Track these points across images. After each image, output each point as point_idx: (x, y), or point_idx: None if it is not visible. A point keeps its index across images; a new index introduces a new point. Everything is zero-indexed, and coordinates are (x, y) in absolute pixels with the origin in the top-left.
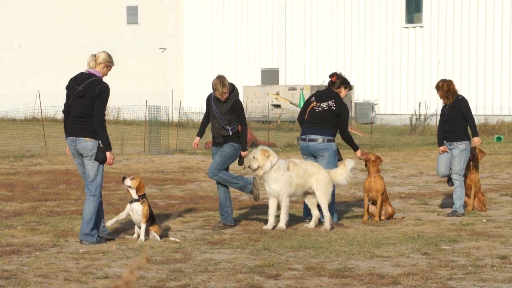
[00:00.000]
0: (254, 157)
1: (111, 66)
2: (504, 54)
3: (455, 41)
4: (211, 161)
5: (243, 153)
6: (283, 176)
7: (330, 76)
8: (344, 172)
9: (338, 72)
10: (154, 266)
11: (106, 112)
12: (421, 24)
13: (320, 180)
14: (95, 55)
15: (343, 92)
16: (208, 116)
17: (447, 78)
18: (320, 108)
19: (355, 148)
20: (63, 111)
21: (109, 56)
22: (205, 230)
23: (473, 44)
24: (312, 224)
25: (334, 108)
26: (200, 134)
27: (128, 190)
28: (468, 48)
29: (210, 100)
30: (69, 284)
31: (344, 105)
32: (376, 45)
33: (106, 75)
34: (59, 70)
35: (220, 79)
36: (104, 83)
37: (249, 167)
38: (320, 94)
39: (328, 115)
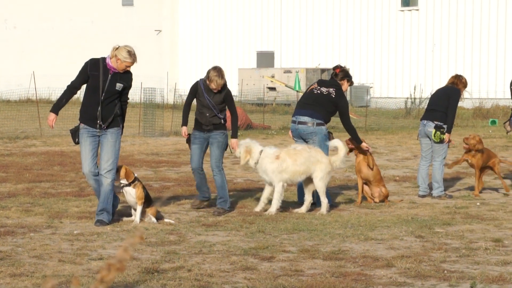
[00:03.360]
0: (240, 155)
1: (127, 62)
2: (499, 37)
3: (450, 24)
4: (194, 146)
5: (233, 141)
6: (270, 166)
7: (334, 68)
8: (340, 157)
9: (343, 65)
10: (149, 248)
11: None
12: (416, 7)
13: (323, 169)
14: (118, 47)
15: (345, 85)
16: (190, 104)
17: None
18: (319, 91)
19: (358, 141)
20: None
21: (126, 52)
22: (199, 212)
23: (468, 27)
24: (303, 209)
25: (333, 96)
26: (186, 123)
27: (117, 181)
28: (463, 32)
29: (199, 89)
30: (63, 265)
31: (344, 97)
32: (371, 28)
33: (122, 69)
34: (54, 52)
35: (218, 70)
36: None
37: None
38: (323, 80)
39: (324, 100)
